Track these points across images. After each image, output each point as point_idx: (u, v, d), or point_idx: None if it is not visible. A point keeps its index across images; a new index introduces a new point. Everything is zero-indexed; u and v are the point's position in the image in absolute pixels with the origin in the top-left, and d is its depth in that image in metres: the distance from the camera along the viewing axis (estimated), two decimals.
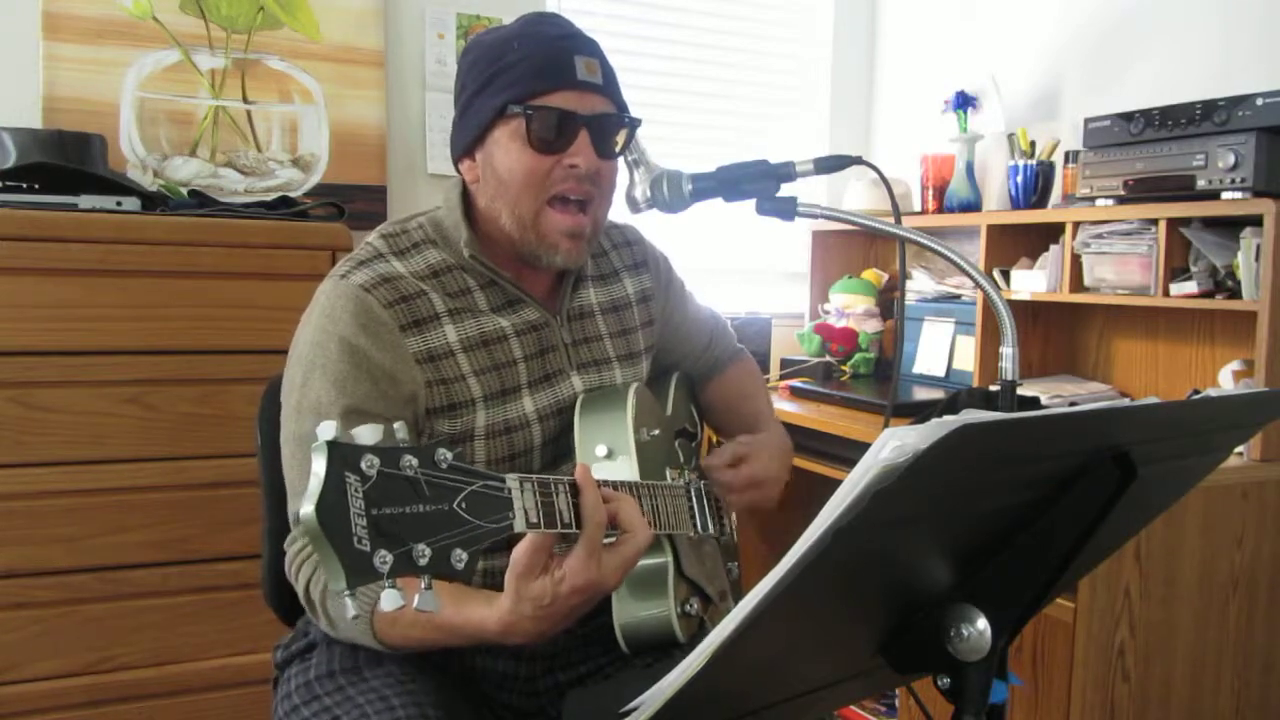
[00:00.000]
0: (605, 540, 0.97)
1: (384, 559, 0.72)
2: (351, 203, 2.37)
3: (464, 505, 0.80)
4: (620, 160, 1.26)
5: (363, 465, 0.73)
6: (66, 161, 1.97)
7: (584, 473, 0.97)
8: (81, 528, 1.89)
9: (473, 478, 0.82)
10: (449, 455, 0.80)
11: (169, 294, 1.92)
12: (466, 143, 1.23)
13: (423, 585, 0.76)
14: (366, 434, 0.75)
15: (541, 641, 1.02)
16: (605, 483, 1.04)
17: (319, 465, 0.72)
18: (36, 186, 1.92)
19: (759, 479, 1.33)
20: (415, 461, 0.77)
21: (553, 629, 0.99)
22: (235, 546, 1.98)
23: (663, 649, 1.19)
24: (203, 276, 1.94)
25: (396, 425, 0.78)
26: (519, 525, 0.87)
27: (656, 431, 1.26)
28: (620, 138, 1.23)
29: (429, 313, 1.19)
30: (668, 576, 1.17)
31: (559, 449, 1.26)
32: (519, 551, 0.94)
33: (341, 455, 0.72)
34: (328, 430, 0.73)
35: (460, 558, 0.78)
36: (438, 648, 1.11)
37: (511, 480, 0.87)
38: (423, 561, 0.75)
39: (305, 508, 0.70)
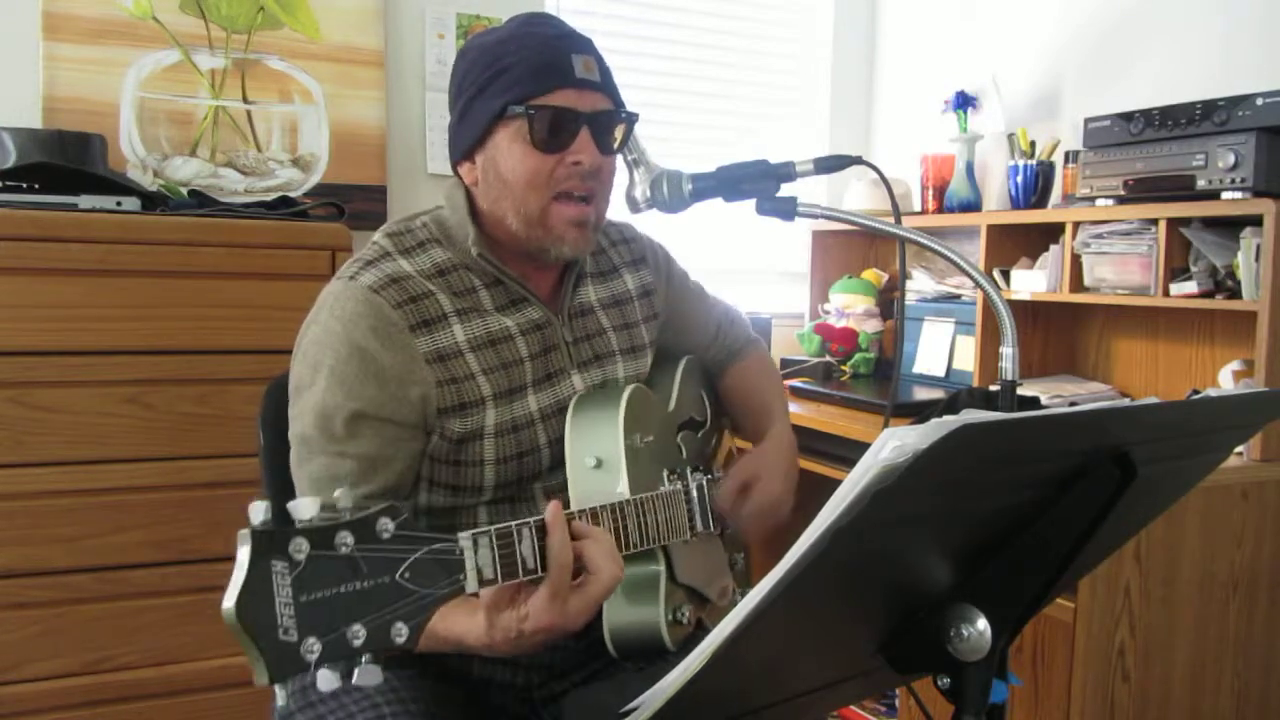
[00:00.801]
0: (575, 580, 0.96)
1: (311, 648, 0.70)
2: (351, 203, 2.37)
3: (407, 575, 0.78)
4: (620, 160, 1.26)
5: (290, 550, 0.71)
6: (66, 161, 1.97)
7: (554, 512, 0.95)
8: (81, 528, 1.89)
9: (419, 544, 0.79)
10: (391, 525, 0.77)
11: (169, 294, 1.92)
12: (466, 146, 1.23)
13: (363, 660, 0.75)
14: (305, 508, 0.73)
15: (521, 655, 1.02)
16: (581, 513, 1.04)
17: (242, 555, 0.70)
18: (36, 186, 1.92)
19: (767, 506, 1.33)
20: (351, 539, 0.74)
21: (530, 651, 0.99)
22: (235, 546, 1.97)
23: (655, 654, 1.19)
24: (203, 276, 1.94)
25: (338, 494, 0.76)
26: (471, 586, 0.85)
27: (651, 437, 1.25)
28: (619, 133, 1.23)
29: (437, 313, 1.19)
30: (659, 585, 1.16)
31: (564, 450, 1.25)
32: (483, 591, 0.93)
33: (267, 543, 0.70)
34: (257, 513, 0.71)
35: (400, 631, 0.76)
36: (427, 653, 1.11)
37: (464, 540, 0.85)
38: (357, 643, 0.73)
39: (226, 603, 0.69)
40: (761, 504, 1.33)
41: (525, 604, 0.94)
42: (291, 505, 0.73)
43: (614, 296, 1.38)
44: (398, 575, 0.77)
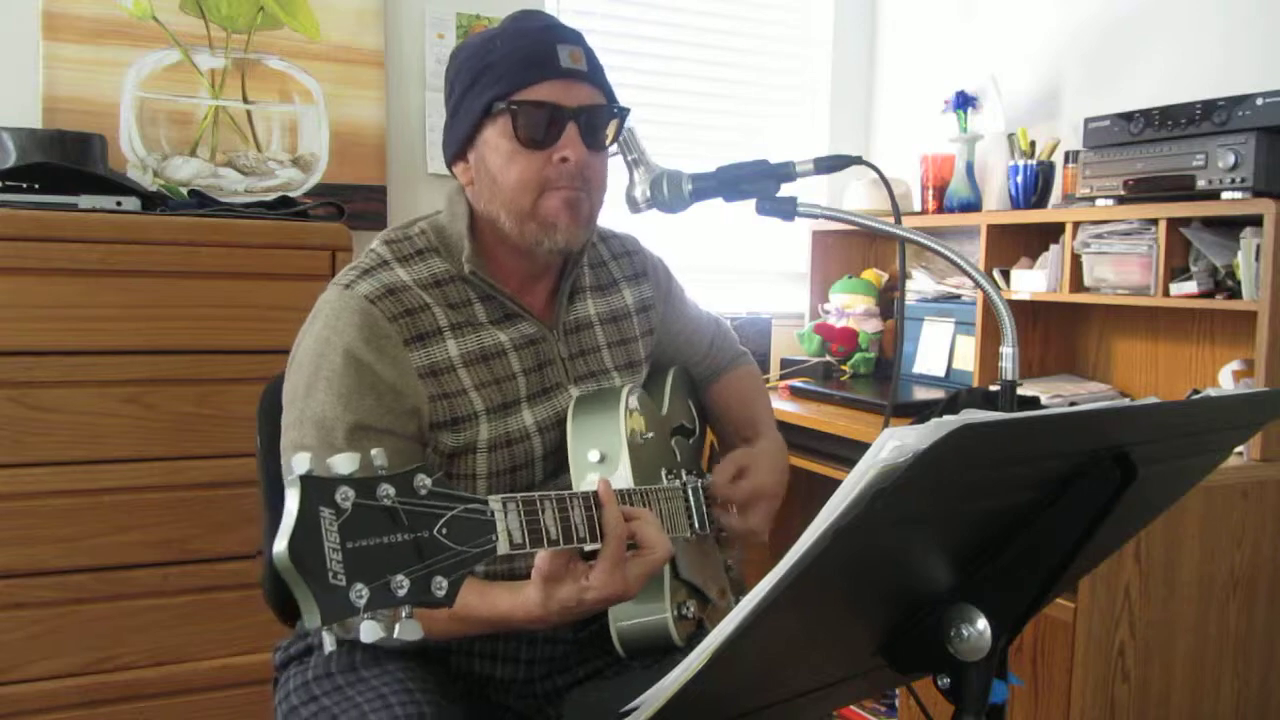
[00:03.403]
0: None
1: (360, 593, 0.72)
2: (351, 203, 2.37)
3: (444, 531, 0.80)
4: (618, 158, 1.25)
5: (337, 498, 0.72)
6: (66, 161, 1.97)
7: (605, 488, 0.99)
8: (81, 528, 1.89)
9: (454, 502, 0.81)
10: (428, 481, 0.79)
11: (169, 294, 1.92)
12: (458, 144, 1.23)
13: (404, 614, 0.76)
14: (343, 463, 0.74)
15: (547, 631, 1.04)
16: (620, 492, 1.05)
17: (292, 501, 0.71)
18: (36, 186, 1.92)
19: (760, 491, 1.33)
20: (392, 491, 0.76)
21: (580, 618, 1.03)
22: (235, 546, 1.98)
23: (662, 651, 1.19)
24: (203, 276, 1.94)
25: (375, 452, 0.78)
26: (502, 548, 0.87)
27: (650, 434, 1.25)
28: (610, 129, 1.22)
29: (432, 327, 1.19)
30: (664, 581, 1.17)
31: (561, 460, 1.25)
32: (542, 559, 0.97)
33: (315, 489, 0.72)
34: (302, 463, 0.72)
35: (441, 585, 0.77)
36: (460, 637, 1.12)
37: (495, 502, 0.87)
38: (401, 593, 0.74)
39: (278, 545, 0.69)
40: (755, 489, 1.32)
41: (585, 577, 0.98)
42: (331, 460, 0.74)
43: (612, 311, 1.38)
44: (435, 530, 0.79)
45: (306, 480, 0.72)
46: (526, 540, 0.90)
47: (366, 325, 1.14)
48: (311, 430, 1.13)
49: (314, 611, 0.70)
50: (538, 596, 0.99)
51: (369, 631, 0.73)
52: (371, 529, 0.74)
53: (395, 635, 0.75)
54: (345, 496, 0.73)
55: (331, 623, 0.71)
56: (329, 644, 0.72)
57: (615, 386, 1.30)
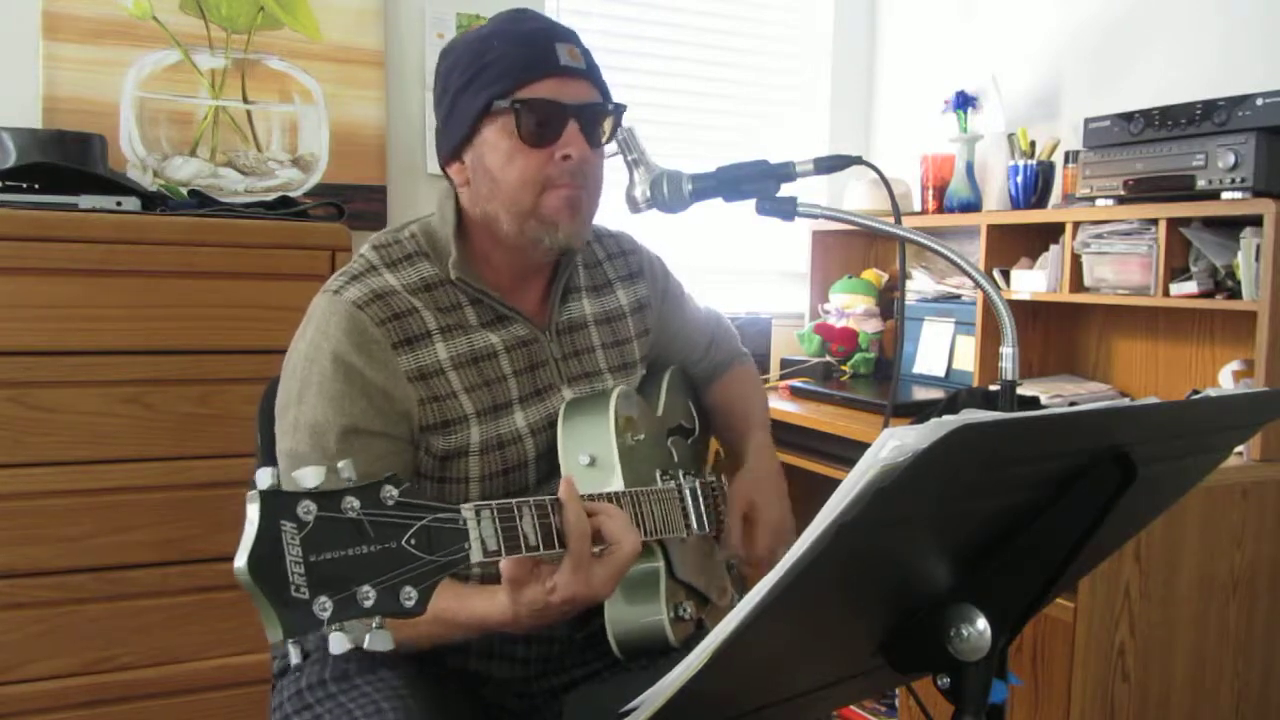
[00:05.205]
0: (596, 549, 0.98)
1: (324, 605, 0.72)
2: (351, 203, 2.36)
3: (413, 541, 0.79)
4: (618, 158, 1.26)
5: (299, 511, 0.73)
6: (66, 161, 1.97)
7: (567, 488, 0.97)
8: (81, 528, 1.89)
9: (423, 512, 0.81)
10: (395, 492, 0.79)
11: (169, 294, 1.92)
12: (454, 145, 1.22)
13: (373, 624, 0.76)
14: (309, 476, 0.74)
15: (543, 630, 1.04)
16: (590, 495, 1.04)
17: (252, 515, 0.71)
18: (36, 186, 1.92)
19: (776, 534, 1.35)
20: (357, 503, 0.76)
21: (553, 622, 1.01)
22: (235, 546, 1.97)
23: (658, 653, 1.18)
24: (203, 276, 1.94)
25: (341, 465, 0.78)
26: (476, 555, 0.87)
27: (642, 436, 1.25)
28: (607, 125, 1.23)
29: (420, 330, 1.19)
30: (659, 581, 1.17)
31: (554, 462, 1.25)
32: (504, 567, 0.96)
33: (276, 503, 0.72)
34: (264, 478, 0.72)
35: (410, 595, 0.77)
36: (445, 641, 1.12)
37: (467, 510, 0.86)
38: (367, 604, 0.74)
39: (238, 561, 0.70)
40: (768, 530, 1.34)
41: (550, 577, 0.96)
42: (296, 473, 0.74)
43: (606, 312, 1.38)
44: (403, 541, 0.79)
45: (266, 495, 0.72)
46: (503, 547, 0.90)
47: (354, 330, 1.15)
48: (305, 435, 1.14)
49: (275, 625, 0.70)
50: (506, 600, 0.99)
51: (337, 643, 0.73)
52: (335, 542, 0.74)
53: (365, 646, 0.75)
54: (307, 510, 0.73)
55: (294, 636, 0.70)
56: (294, 657, 0.72)
57: (607, 389, 1.30)
